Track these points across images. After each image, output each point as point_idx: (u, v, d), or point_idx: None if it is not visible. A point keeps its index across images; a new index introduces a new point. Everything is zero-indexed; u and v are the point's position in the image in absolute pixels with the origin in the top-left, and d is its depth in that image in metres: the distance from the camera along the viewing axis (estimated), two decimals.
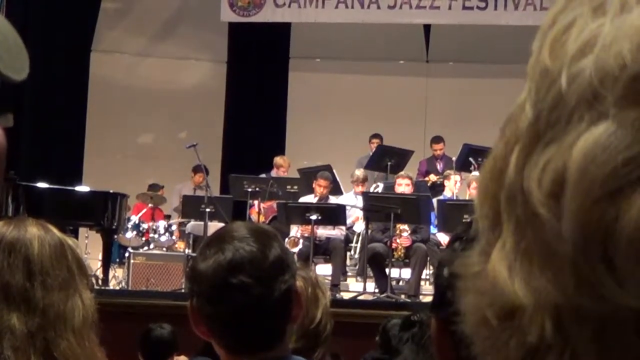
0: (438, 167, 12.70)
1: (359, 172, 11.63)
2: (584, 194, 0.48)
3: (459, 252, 1.26)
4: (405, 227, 10.13)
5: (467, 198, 10.98)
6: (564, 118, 0.51)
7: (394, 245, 9.92)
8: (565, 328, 0.50)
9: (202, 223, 10.66)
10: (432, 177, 12.50)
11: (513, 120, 0.54)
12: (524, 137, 0.52)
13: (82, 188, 10.96)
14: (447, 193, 11.63)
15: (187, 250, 11.09)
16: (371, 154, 12.69)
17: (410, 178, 10.75)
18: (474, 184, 10.79)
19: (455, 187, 11.60)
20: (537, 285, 0.50)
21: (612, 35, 0.50)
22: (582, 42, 0.51)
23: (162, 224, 11.50)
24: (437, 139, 13.03)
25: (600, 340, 0.49)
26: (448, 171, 12.04)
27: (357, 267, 11.13)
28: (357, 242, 11.02)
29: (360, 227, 10.83)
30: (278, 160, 12.48)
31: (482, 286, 0.54)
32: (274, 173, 12.25)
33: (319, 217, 9.89)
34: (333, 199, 10.88)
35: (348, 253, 11.02)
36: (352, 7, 14.03)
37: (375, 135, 13.24)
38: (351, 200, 10.95)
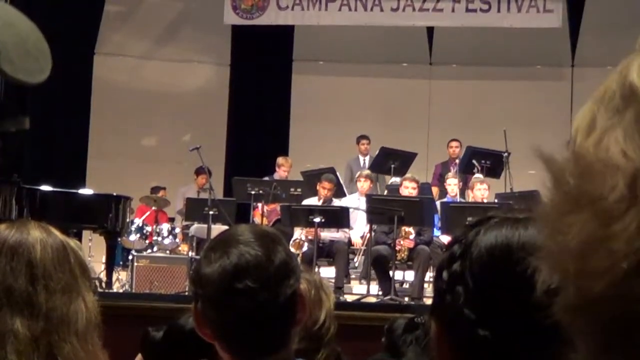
0: (452, 170, 12.57)
1: (366, 172, 11.62)
2: None
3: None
4: (411, 229, 10.11)
5: (469, 200, 10.97)
6: None
7: (397, 247, 9.90)
8: None
9: (205, 226, 10.66)
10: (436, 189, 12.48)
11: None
12: None
13: (86, 191, 10.96)
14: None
15: (190, 253, 11.09)
16: (360, 156, 12.84)
17: (417, 181, 10.65)
18: (477, 186, 10.77)
19: (452, 191, 11.56)
20: None
21: None
22: None
23: (165, 227, 11.50)
24: (452, 140, 13.02)
25: None
26: (447, 174, 12.02)
27: (360, 269, 11.10)
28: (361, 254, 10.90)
29: (359, 233, 10.76)
30: (280, 160, 12.51)
31: None
32: (276, 174, 12.25)
33: (323, 220, 9.86)
34: (336, 202, 10.86)
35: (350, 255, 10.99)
36: (355, 9, 14.03)
37: (364, 137, 13.26)
38: (354, 203, 10.92)
